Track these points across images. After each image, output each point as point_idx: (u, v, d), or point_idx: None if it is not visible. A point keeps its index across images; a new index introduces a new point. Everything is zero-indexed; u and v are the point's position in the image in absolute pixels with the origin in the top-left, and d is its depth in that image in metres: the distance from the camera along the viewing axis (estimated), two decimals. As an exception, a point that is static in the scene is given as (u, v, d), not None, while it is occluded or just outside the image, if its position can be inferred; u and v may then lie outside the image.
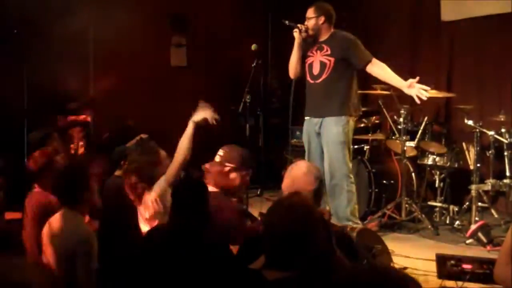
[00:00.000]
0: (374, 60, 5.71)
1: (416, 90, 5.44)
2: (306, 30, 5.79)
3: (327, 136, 5.71)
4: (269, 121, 7.24)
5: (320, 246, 2.61)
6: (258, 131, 6.81)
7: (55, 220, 3.55)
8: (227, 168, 4.06)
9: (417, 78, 5.49)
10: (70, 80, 7.05)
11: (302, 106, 6.00)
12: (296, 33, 5.78)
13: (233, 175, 4.08)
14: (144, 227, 3.89)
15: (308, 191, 3.39)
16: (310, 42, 5.89)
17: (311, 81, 5.84)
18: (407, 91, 5.53)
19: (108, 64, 7.55)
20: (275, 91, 8.44)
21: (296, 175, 3.57)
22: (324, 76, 5.75)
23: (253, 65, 5.98)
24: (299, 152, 6.57)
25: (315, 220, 2.61)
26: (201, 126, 3.99)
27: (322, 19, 5.80)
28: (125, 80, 7.58)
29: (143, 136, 6.21)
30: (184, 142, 3.90)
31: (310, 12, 5.82)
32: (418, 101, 5.50)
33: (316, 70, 5.81)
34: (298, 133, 6.98)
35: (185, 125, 4.00)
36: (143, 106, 7.72)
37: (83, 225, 3.60)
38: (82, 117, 7.02)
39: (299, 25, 5.78)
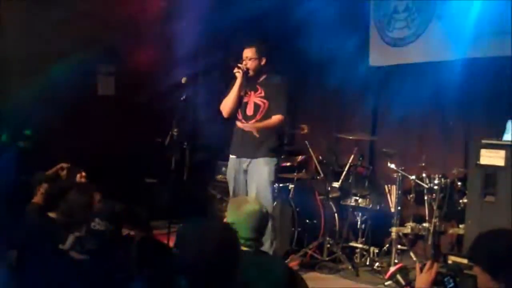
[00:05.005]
0: (278, 117, 5.58)
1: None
2: (247, 71, 5.60)
3: (257, 175, 5.60)
4: (195, 156, 7.16)
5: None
6: (183, 165, 6.70)
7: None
8: None
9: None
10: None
11: (229, 142, 5.93)
12: (239, 74, 5.58)
13: None
14: None
15: None
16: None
17: (243, 121, 5.67)
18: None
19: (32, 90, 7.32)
20: (203, 125, 8.37)
21: None
22: (258, 117, 5.64)
23: (182, 98, 5.92)
24: (224, 188, 6.51)
25: (218, 242, 2.52)
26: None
27: (263, 60, 5.66)
28: (50, 106, 7.35)
29: (64, 165, 6.05)
30: None
31: (251, 53, 5.61)
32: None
33: (250, 111, 5.68)
34: (224, 168, 6.89)
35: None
36: (70, 134, 7.49)
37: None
38: None
39: (240, 65, 5.58)
